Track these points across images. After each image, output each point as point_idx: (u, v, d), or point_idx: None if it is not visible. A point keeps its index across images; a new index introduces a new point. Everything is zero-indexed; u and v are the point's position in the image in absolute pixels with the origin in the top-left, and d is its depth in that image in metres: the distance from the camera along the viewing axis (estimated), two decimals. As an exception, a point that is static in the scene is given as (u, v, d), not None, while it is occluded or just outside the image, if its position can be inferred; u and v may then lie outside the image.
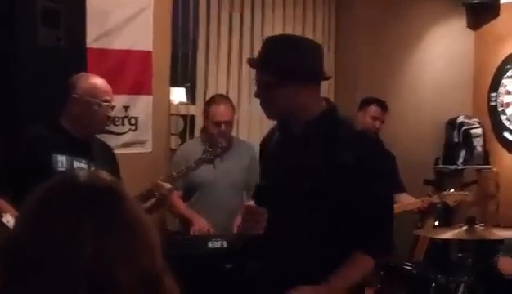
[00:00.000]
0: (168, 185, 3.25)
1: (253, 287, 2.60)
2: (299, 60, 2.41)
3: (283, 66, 2.39)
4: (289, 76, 2.39)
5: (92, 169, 3.17)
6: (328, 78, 2.69)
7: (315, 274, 2.35)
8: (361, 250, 2.39)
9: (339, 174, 2.35)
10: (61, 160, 3.11)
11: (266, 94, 2.44)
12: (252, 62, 2.62)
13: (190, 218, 4.06)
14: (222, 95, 4.49)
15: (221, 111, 4.14)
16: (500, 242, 3.97)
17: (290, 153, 2.50)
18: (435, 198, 4.38)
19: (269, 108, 2.48)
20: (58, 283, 1.09)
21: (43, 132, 3.16)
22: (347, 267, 2.37)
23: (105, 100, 3.21)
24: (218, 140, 3.93)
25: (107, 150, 3.47)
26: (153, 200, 3.28)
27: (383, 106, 4.86)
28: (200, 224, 3.94)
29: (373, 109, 4.83)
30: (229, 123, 4.17)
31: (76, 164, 3.14)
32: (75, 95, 3.18)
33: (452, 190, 4.41)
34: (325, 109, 2.51)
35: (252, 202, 2.57)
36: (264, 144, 2.75)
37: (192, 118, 5.03)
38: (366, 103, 4.88)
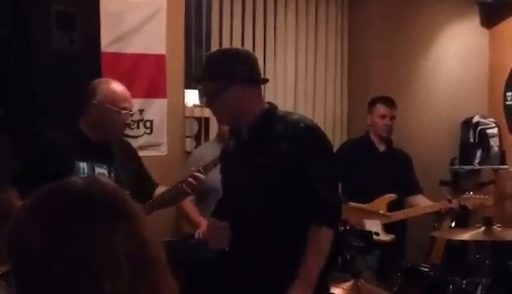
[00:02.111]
0: (202, 176, 3.23)
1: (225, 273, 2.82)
2: (235, 64, 2.72)
3: (221, 71, 2.70)
4: (229, 79, 2.69)
5: (113, 174, 3.19)
6: (265, 81, 3.00)
7: (281, 251, 2.65)
8: (316, 222, 2.63)
9: (283, 162, 2.63)
10: (83, 167, 3.12)
11: (213, 101, 2.75)
12: (196, 78, 2.93)
13: (196, 222, 4.09)
14: None
15: None
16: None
17: (244, 155, 2.78)
18: (454, 203, 4.34)
19: (218, 112, 2.83)
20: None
21: (63, 139, 3.17)
22: (312, 243, 2.60)
23: (124, 108, 3.21)
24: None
25: (127, 148, 3.48)
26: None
27: (388, 103, 4.81)
28: (205, 229, 3.94)
29: (379, 108, 4.80)
30: None
31: (97, 170, 3.15)
32: (95, 102, 3.18)
33: (472, 193, 4.37)
34: (265, 108, 2.78)
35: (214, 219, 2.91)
36: (223, 154, 3.02)
37: (207, 120, 5.02)
38: (372, 104, 4.86)
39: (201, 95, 5.32)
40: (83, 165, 3.12)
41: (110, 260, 1.11)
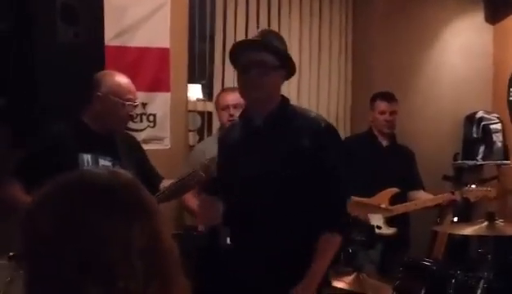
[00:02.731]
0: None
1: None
2: (287, 52, 2.82)
3: (282, 52, 2.73)
4: (284, 62, 2.72)
5: (117, 166, 3.18)
6: (291, 76, 2.92)
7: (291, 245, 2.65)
8: (330, 230, 2.67)
9: (302, 157, 2.64)
10: (87, 159, 3.13)
11: (264, 73, 2.67)
12: (255, 43, 2.75)
13: (191, 207, 4.12)
14: (229, 87, 4.51)
15: (228, 96, 4.16)
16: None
17: (257, 143, 2.74)
18: (457, 195, 4.34)
19: (260, 87, 2.68)
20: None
21: (67, 131, 3.17)
22: (323, 251, 2.65)
23: (129, 100, 3.22)
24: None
25: (131, 141, 3.49)
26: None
27: (388, 98, 4.80)
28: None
29: (379, 104, 4.80)
30: (238, 106, 3.98)
31: (101, 162, 3.16)
32: (99, 93, 3.20)
33: (474, 186, 4.37)
34: (281, 100, 2.80)
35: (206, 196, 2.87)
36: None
37: (210, 114, 5.03)
38: (372, 100, 4.87)
39: (204, 89, 5.33)
40: (87, 157, 3.13)
41: (123, 254, 1.11)
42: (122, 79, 3.26)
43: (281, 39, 2.80)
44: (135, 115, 4.51)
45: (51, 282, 1.11)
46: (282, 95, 2.84)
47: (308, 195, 2.65)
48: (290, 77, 2.85)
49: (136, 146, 3.51)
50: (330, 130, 2.80)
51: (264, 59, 2.67)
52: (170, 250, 1.18)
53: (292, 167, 2.64)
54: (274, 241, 2.66)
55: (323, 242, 2.65)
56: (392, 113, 4.78)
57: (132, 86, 3.28)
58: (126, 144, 3.37)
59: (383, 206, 4.29)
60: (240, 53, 2.74)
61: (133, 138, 3.59)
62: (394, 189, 4.45)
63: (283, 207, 2.66)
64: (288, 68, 2.75)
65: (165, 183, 3.43)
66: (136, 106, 3.33)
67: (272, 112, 2.72)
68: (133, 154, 3.40)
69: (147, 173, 3.42)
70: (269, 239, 2.66)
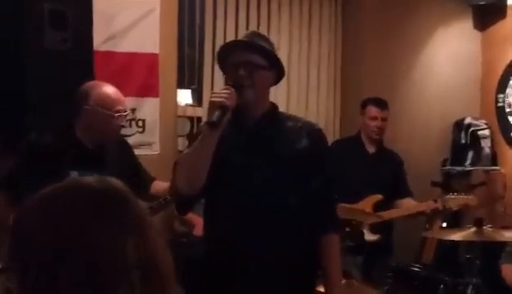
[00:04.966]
0: None
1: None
2: (275, 52, 2.79)
3: (269, 52, 2.70)
4: (271, 62, 2.70)
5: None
6: (280, 80, 2.88)
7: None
8: (329, 230, 2.71)
9: (299, 158, 2.65)
10: (73, 175, 3.06)
11: (251, 73, 2.63)
12: (246, 44, 2.72)
13: (191, 220, 4.09)
14: None
15: None
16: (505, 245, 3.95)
17: (249, 145, 2.69)
18: (439, 204, 4.31)
19: (252, 87, 2.64)
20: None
21: (55, 144, 3.10)
22: (333, 254, 2.71)
23: (118, 111, 3.15)
24: None
25: (121, 142, 3.44)
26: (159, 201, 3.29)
27: (380, 104, 4.75)
28: (201, 227, 3.94)
29: (370, 110, 4.74)
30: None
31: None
32: (87, 107, 3.11)
33: (456, 194, 4.35)
34: (271, 105, 2.80)
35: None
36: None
37: (199, 119, 5.03)
38: (363, 105, 4.81)
39: (193, 95, 5.33)
40: (74, 173, 3.04)
41: (119, 269, 1.09)
42: (109, 90, 3.17)
43: (268, 40, 2.79)
44: (126, 124, 4.51)
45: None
46: (271, 102, 2.82)
47: (304, 195, 2.65)
48: (279, 80, 2.82)
49: (125, 148, 3.46)
50: (323, 133, 2.86)
51: (250, 59, 2.65)
52: (165, 262, 1.17)
53: (287, 167, 2.64)
54: (267, 244, 2.59)
55: (328, 242, 2.70)
56: (383, 119, 4.73)
57: (120, 96, 3.20)
58: (115, 148, 3.32)
59: (367, 210, 4.27)
60: (226, 55, 2.72)
61: (122, 141, 3.52)
62: (378, 196, 4.41)
63: (279, 208, 2.62)
64: (276, 69, 2.74)
65: (156, 184, 3.42)
66: (126, 116, 3.26)
67: (264, 114, 2.71)
68: (123, 158, 3.35)
69: (138, 174, 3.40)
70: (262, 242, 2.58)
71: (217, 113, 2.47)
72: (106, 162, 3.20)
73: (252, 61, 2.64)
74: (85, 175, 3.07)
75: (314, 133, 2.75)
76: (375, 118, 4.72)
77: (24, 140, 3.22)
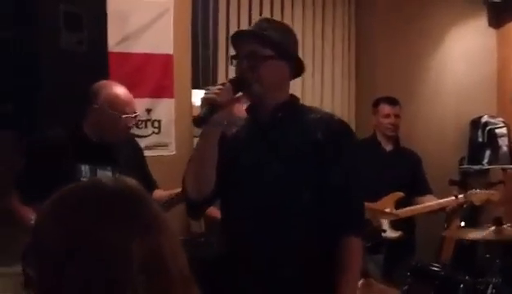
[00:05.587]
0: None
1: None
2: (293, 41, 2.56)
3: (281, 42, 2.48)
4: (280, 52, 2.47)
5: (118, 175, 3.13)
6: (301, 72, 2.66)
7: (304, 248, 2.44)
8: (348, 234, 2.43)
9: (314, 151, 2.42)
10: (84, 170, 3.08)
11: (260, 66, 2.45)
12: (249, 33, 2.54)
13: (211, 214, 4.07)
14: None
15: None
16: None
17: (263, 139, 2.52)
18: (461, 199, 4.32)
19: (258, 81, 2.45)
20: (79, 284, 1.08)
21: (66, 141, 3.11)
22: (348, 261, 2.42)
23: (126, 113, 3.13)
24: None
25: (132, 143, 3.44)
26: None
27: (391, 102, 4.80)
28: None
29: (383, 108, 4.78)
30: None
31: (100, 173, 3.10)
32: (96, 106, 3.11)
33: (478, 190, 4.35)
34: (290, 97, 2.59)
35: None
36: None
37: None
38: (375, 105, 4.86)
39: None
40: (85, 167, 3.08)
41: (124, 268, 1.09)
42: (119, 90, 3.16)
43: (280, 28, 2.55)
44: (140, 121, 4.52)
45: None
46: (292, 94, 2.63)
47: (320, 191, 2.42)
48: (300, 71, 2.59)
49: (136, 150, 3.45)
50: (344, 124, 2.60)
51: (255, 49, 2.45)
52: (177, 263, 1.15)
53: (301, 161, 2.43)
54: (279, 243, 2.44)
55: (344, 246, 2.41)
56: (396, 116, 4.78)
57: (130, 98, 3.18)
58: (126, 148, 3.31)
59: (388, 210, 4.27)
60: (235, 46, 2.57)
61: (134, 140, 3.51)
62: (399, 194, 4.44)
63: (291, 205, 2.43)
64: (290, 59, 2.51)
65: (157, 193, 3.39)
66: (135, 118, 3.23)
67: (278, 106, 2.50)
68: (133, 159, 3.35)
69: (145, 178, 3.38)
70: (274, 241, 2.44)
71: (204, 109, 2.35)
72: (116, 158, 3.20)
73: (256, 52, 2.45)
74: (97, 169, 3.10)
75: (333, 123, 2.51)
76: (387, 116, 4.76)
77: (34, 142, 3.23)
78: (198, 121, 2.39)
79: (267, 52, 2.45)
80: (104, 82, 3.25)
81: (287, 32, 2.58)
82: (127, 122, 3.15)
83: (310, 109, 2.62)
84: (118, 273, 1.08)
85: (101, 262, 1.08)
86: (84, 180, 2.96)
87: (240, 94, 2.47)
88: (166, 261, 1.13)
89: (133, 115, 3.19)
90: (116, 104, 3.12)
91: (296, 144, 2.46)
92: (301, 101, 2.71)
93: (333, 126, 2.50)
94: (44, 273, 1.12)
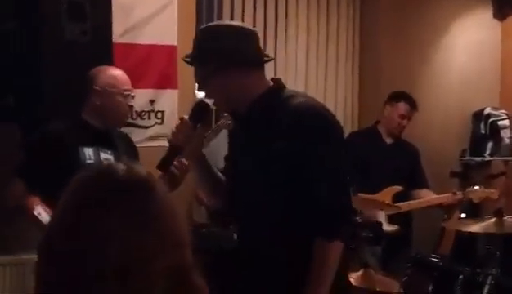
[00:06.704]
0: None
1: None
2: (233, 43, 2.35)
3: (219, 52, 2.34)
4: (226, 60, 2.33)
5: (121, 159, 3.14)
6: (268, 60, 2.50)
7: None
8: (322, 237, 2.26)
9: (284, 146, 2.27)
10: (88, 152, 3.12)
11: (210, 84, 2.39)
12: (187, 58, 2.44)
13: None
14: None
15: None
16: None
17: (242, 138, 2.48)
18: (459, 196, 4.31)
19: (216, 96, 2.40)
20: (85, 275, 1.09)
21: (66, 127, 3.15)
22: (315, 268, 2.26)
23: (126, 90, 3.20)
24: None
25: (126, 138, 3.47)
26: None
27: (412, 104, 4.69)
28: None
29: (402, 107, 4.66)
30: None
31: (103, 155, 3.14)
32: (97, 88, 3.15)
33: (477, 187, 4.34)
34: (269, 87, 2.42)
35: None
36: (230, 134, 2.75)
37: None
38: (395, 98, 4.71)
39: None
40: (89, 150, 3.11)
41: (141, 261, 1.10)
42: (116, 72, 3.24)
43: (210, 34, 2.41)
44: (143, 112, 4.54)
45: (65, 289, 1.10)
46: (275, 81, 2.47)
47: (292, 188, 2.28)
48: (258, 59, 2.42)
49: (130, 145, 3.48)
50: (313, 115, 2.33)
51: (196, 73, 2.42)
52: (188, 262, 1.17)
53: (270, 157, 2.30)
54: (253, 242, 2.42)
55: (316, 249, 2.26)
56: (409, 119, 4.70)
57: (126, 78, 3.24)
58: (123, 143, 3.35)
59: (387, 201, 4.27)
60: None
61: (128, 137, 3.52)
62: (398, 187, 4.40)
63: (261, 205, 2.37)
64: (231, 61, 2.34)
65: None
66: (133, 96, 3.26)
67: (251, 104, 2.38)
68: (129, 148, 3.37)
69: None
70: (251, 240, 2.42)
71: (165, 154, 2.41)
72: (116, 145, 3.24)
73: (196, 75, 2.43)
74: (100, 151, 3.13)
75: (306, 118, 2.30)
76: (403, 117, 4.67)
77: (34, 130, 3.26)
78: (160, 165, 2.40)
79: (204, 70, 2.37)
80: (99, 67, 3.29)
81: (218, 32, 2.42)
82: (128, 100, 3.21)
83: (288, 99, 2.38)
84: (134, 266, 1.09)
85: (77, 252, 1.09)
86: (90, 162, 3.03)
87: (199, 125, 2.42)
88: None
89: (132, 94, 3.25)
90: (116, 84, 3.18)
91: (266, 142, 2.34)
92: (284, 81, 2.54)
93: (306, 122, 2.30)
94: (42, 267, 1.13)
